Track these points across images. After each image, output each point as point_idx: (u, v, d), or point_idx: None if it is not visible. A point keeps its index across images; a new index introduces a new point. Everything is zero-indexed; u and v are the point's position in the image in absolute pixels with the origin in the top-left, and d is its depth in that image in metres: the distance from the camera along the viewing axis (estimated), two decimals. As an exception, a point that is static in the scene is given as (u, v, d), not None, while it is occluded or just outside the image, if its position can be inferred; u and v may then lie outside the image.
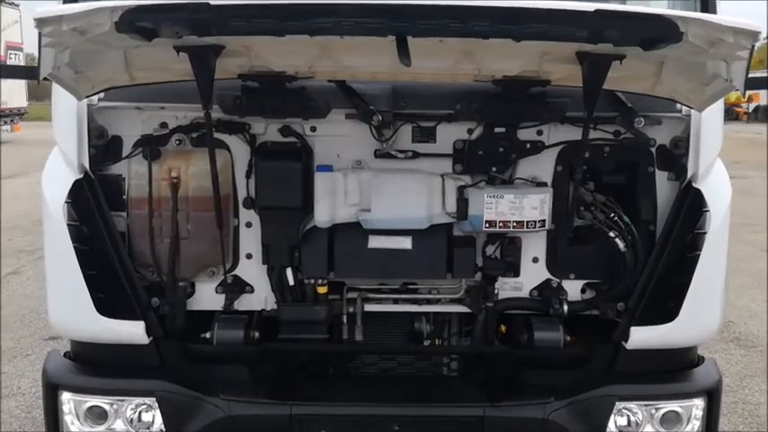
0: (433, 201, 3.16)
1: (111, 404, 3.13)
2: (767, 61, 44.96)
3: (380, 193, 3.13)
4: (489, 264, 3.34)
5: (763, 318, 7.73)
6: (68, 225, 3.02)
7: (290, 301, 3.34)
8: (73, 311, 3.12)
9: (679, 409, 3.19)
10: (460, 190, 3.15)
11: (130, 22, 2.20)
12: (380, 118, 3.07)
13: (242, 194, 3.28)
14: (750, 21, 2.12)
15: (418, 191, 3.15)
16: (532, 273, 3.39)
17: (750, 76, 2.36)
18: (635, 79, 2.84)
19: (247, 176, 3.24)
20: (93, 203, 3.05)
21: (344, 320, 3.40)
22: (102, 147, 3.18)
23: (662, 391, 3.22)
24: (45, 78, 2.42)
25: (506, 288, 3.41)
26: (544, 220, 3.14)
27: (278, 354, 3.35)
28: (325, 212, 3.14)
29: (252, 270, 3.36)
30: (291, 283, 3.31)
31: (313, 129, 3.25)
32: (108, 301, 3.07)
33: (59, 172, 3.10)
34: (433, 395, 3.38)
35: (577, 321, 3.40)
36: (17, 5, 25.80)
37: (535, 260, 3.39)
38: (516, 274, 3.37)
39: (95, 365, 3.21)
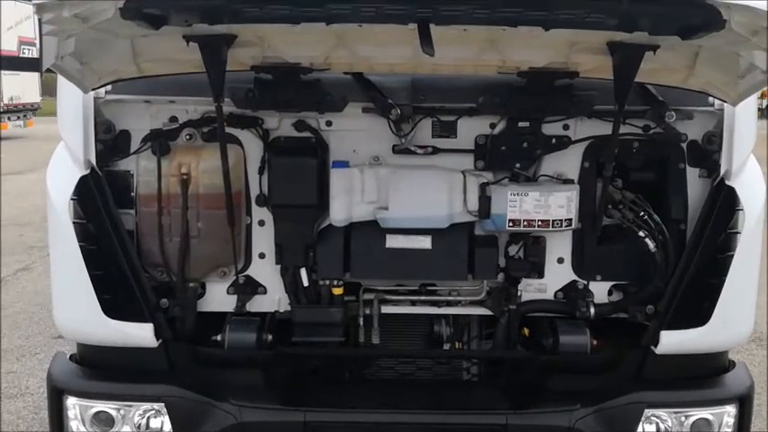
0: (454, 198, 3.11)
1: (119, 409, 3.09)
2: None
3: (399, 190, 3.07)
4: (512, 264, 3.29)
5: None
6: (74, 223, 2.99)
7: (304, 303, 3.30)
8: (79, 313, 3.08)
9: (710, 417, 3.14)
10: (482, 187, 3.10)
11: (136, 9, 2.15)
12: (399, 112, 3.03)
13: (254, 191, 3.23)
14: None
15: (438, 188, 3.09)
16: (557, 274, 3.33)
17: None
18: (667, 71, 2.79)
19: (260, 173, 3.20)
20: (99, 200, 3.02)
21: (361, 323, 3.37)
22: (110, 142, 3.14)
23: (692, 398, 3.17)
24: (49, 70, 2.37)
25: (530, 290, 3.35)
26: (571, 219, 3.09)
27: (291, 358, 3.32)
28: (341, 210, 3.09)
29: (265, 270, 3.31)
30: (306, 283, 3.27)
31: (329, 123, 3.21)
32: (115, 303, 3.03)
33: (65, 168, 3.08)
34: (452, 401, 3.33)
35: (604, 325, 3.34)
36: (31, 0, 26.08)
37: (560, 261, 3.32)
38: (540, 275, 3.31)
39: (102, 369, 3.19)
